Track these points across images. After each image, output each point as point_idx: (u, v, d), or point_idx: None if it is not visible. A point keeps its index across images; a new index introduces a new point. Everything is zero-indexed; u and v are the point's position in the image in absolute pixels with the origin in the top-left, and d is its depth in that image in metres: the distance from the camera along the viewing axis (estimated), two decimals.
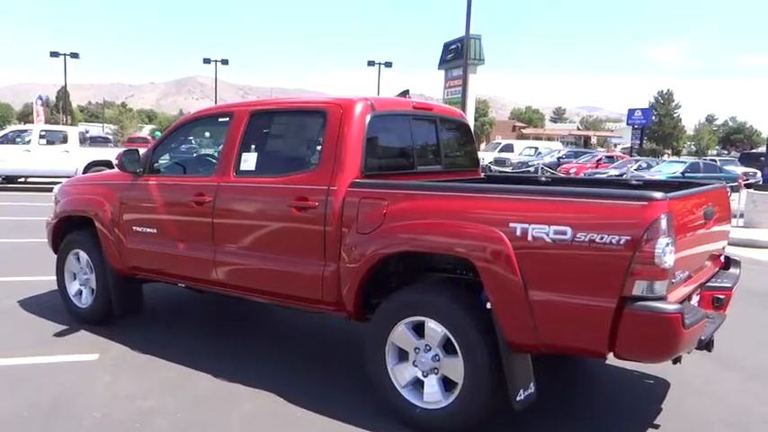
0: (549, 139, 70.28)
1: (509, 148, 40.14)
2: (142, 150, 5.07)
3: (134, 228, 4.93)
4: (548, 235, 3.03)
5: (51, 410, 3.77)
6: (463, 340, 3.33)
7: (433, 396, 3.49)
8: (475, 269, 3.29)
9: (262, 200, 4.20)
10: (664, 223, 2.83)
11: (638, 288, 2.86)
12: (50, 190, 6.50)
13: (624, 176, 17.34)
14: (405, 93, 4.56)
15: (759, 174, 28.37)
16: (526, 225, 3.09)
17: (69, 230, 5.56)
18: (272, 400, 3.94)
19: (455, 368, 3.39)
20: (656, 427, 3.69)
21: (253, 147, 4.39)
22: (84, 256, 5.37)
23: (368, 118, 3.97)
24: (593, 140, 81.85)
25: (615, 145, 70.39)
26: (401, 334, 3.58)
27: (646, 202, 2.87)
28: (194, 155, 5.27)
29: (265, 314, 5.98)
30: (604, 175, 20.85)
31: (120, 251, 5.00)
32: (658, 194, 2.90)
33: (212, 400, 3.95)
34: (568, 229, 2.98)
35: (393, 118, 4.29)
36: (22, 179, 18.92)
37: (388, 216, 3.57)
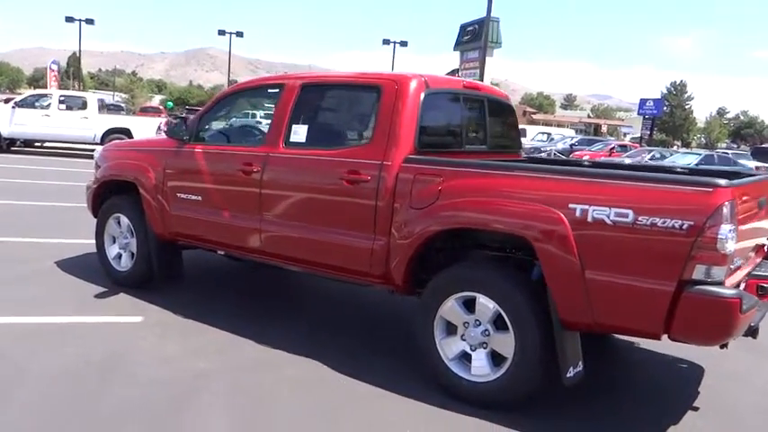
0: (560, 125, 70.05)
1: (522, 134, 39.94)
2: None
3: (178, 194, 5.00)
4: (608, 217, 3.08)
5: (105, 367, 3.87)
6: (515, 317, 3.40)
7: (481, 369, 3.58)
8: (528, 247, 3.37)
9: (312, 172, 4.26)
10: (727, 210, 2.89)
11: (698, 272, 2.92)
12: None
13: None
14: (454, 72, 4.61)
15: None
16: (586, 206, 3.14)
17: (110, 195, 5.63)
18: (317, 366, 4.03)
19: (505, 343, 3.47)
20: (696, 409, 3.78)
21: (303, 119, 4.44)
22: (125, 220, 5.45)
23: (422, 95, 4.02)
24: (604, 129, 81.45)
25: (625, 134, 69.98)
26: (451, 308, 3.66)
27: (711, 189, 2.92)
28: (240, 125, 5.31)
29: (301, 282, 6.09)
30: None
31: (163, 217, 5.08)
32: (723, 181, 2.95)
33: (261, 364, 4.05)
34: (630, 212, 3.03)
35: (445, 96, 4.34)
36: (39, 143, 19.00)
37: (443, 192, 3.63)
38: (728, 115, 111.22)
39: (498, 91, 5.10)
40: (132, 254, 5.46)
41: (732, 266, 3.10)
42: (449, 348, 3.70)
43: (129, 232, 5.47)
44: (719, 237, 2.86)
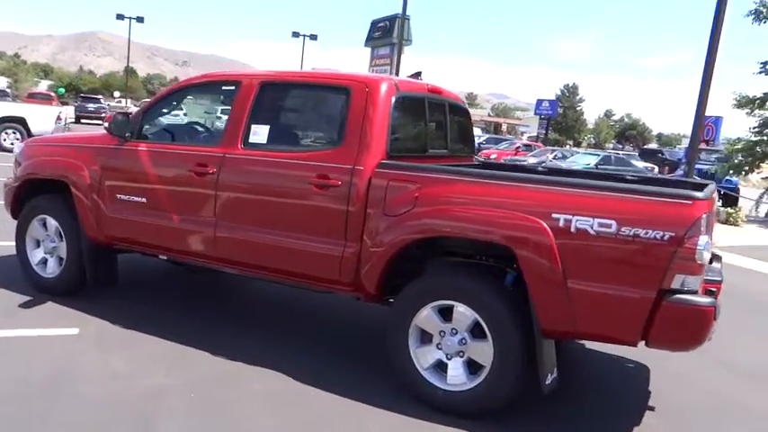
0: None
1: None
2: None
3: (117, 195, 4.64)
4: (592, 227, 3.14)
5: (48, 388, 3.54)
6: (494, 325, 3.41)
7: (457, 378, 3.56)
8: (504, 255, 3.39)
9: (275, 175, 4.07)
10: (704, 221, 3.02)
11: (677, 281, 3.03)
12: None
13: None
14: (417, 74, 4.56)
15: (656, 169, 30.50)
16: (569, 216, 3.19)
17: (34, 194, 5.15)
18: (283, 379, 3.87)
19: (483, 351, 3.47)
20: (651, 408, 3.95)
21: (264, 119, 4.23)
22: (52, 222, 5.00)
23: (393, 99, 3.94)
24: (504, 128, 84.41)
25: (522, 133, 72.98)
26: (427, 317, 3.61)
27: (690, 201, 3.05)
28: (188, 123, 4.99)
29: (246, 285, 5.84)
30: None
31: (99, 219, 4.70)
32: (700, 194, 3.09)
33: (221, 378, 3.83)
34: (613, 223, 3.10)
35: (412, 100, 4.27)
36: None
37: (420, 200, 3.57)
38: (614, 117, 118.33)
39: (456, 95, 5.10)
40: (61, 259, 5.02)
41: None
42: (423, 358, 3.66)
43: (56, 235, 5.02)
44: (698, 247, 2.98)
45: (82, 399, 3.45)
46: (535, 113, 45.85)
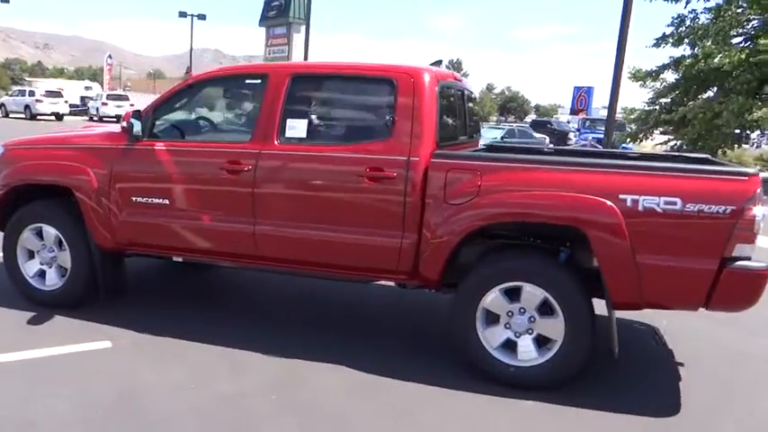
0: None
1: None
2: None
3: (133, 198, 4.40)
4: (658, 205, 3.41)
5: (118, 406, 3.37)
6: (565, 301, 3.62)
7: (528, 354, 3.75)
8: (564, 236, 3.60)
9: (321, 169, 4.03)
10: (759, 195, 3.37)
11: (738, 250, 3.37)
12: None
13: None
14: (438, 63, 4.60)
15: (547, 140, 32.25)
16: (636, 196, 3.44)
17: (22, 202, 4.74)
18: (353, 373, 3.89)
19: (553, 327, 3.68)
20: (681, 364, 4.35)
21: (299, 113, 4.16)
22: (51, 230, 4.64)
23: (436, 88, 4.01)
24: None
25: None
26: (494, 299, 3.76)
27: (746, 177, 3.39)
28: (201, 119, 4.73)
29: (261, 280, 5.74)
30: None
31: (112, 225, 4.44)
32: (753, 170, 3.44)
33: (289, 379, 3.79)
34: (678, 200, 3.39)
35: (447, 89, 4.35)
36: None
37: (484, 187, 3.69)
38: (495, 91, 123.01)
39: (465, 81, 5.22)
40: (63, 269, 4.68)
41: None
42: (492, 338, 3.81)
43: (56, 244, 4.67)
44: (756, 218, 3.33)
45: (162, 413, 3.32)
46: None
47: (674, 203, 3.39)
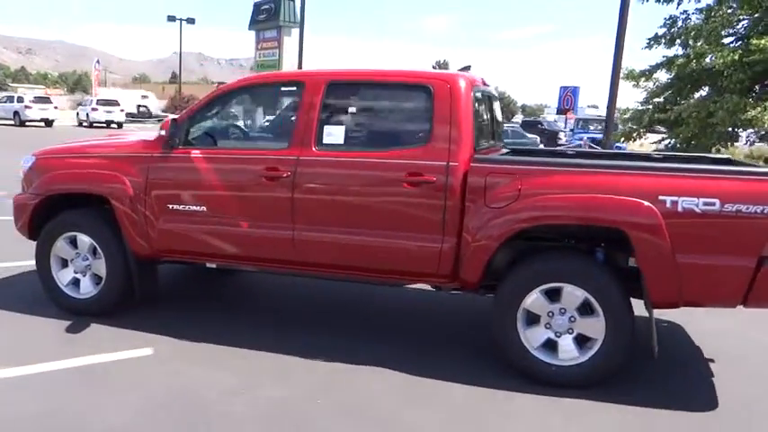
0: None
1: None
2: None
3: (170, 206, 4.44)
4: (697, 206, 3.51)
5: (176, 411, 3.42)
6: (606, 301, 3.71)
7: (569, 354, 3.84)
8: (600, 237, 3.70)
9: (361, 174, 4.10)
10: None
11: None
12: None
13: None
14: (467, 68, 4.69)
15: (538, 139, 32.39)
16: (676, 198, 3.54)
17: (54, 211, 4.77)
18: (394, 375, 3.95)
19: (594, 327, 3.77)
20: (712, 361, 4.46)
21: (336, 119, 4.24)
22: (85, 239, 4.67)
23: (472, 94, 4.09)
24: None
25: None
26: (535, 300, 3.85)
27: None
28: (237, 126, 4.78)
29: (280, 283, 5.79)
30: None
31: (149, 232, 4.48)
32: None
33: (334, 382, 3.85)
34: (717, 201, 3.49)
35: (479, 94, 4.44)
36: None
37: (525, 191, 3.77)
38: None
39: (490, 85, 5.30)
40: (98, 277, 4.72)
41: None
42: (533, 338, 3.90)
43: (90, 253, 4.71)
44: None
45: (220, 416, 3.37)
46: None
47: (713, 204, 3.50)
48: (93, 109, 36.58)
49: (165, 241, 4.50)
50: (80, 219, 4.70)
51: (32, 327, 4.54)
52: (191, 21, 41.88)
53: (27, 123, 32.83)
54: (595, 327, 3.77)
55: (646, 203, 3.55)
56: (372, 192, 4.10)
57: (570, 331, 3.85)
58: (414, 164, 3.97)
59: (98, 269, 4.70)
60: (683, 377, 4.15)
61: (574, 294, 3.78)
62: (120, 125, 36.64)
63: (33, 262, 4.90)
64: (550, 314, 3.86)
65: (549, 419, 3.49)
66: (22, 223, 4.87)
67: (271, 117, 5.11)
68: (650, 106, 19.46)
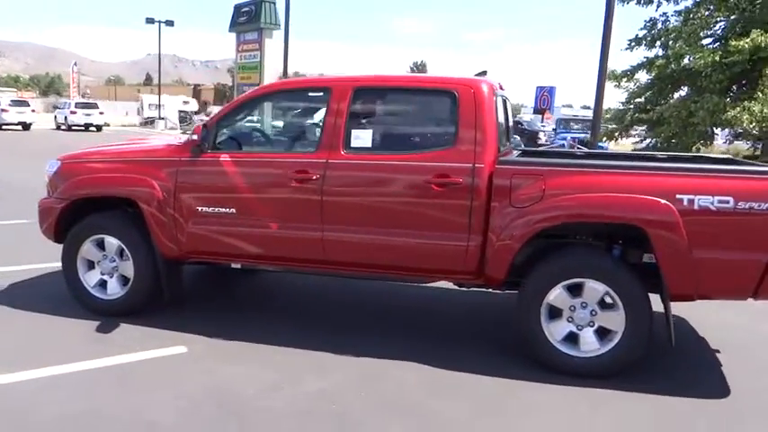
0: None
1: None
2: None
3: (199, 208, 4.56)
4: (712, 204, 3.74)
5: (217, 407, 3.54)
6: (626, 295, 3.92)
7: (590, 345, 4.05)
8: (611, 234, 3.92)
9: (389, 176, 4.27)
10: None
11: None
12: None
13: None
14: (483, 73, 4.87)
15: (518, 138, 32.74)
16: (692, 196, 3.76)
17: (81, 214, 4.86)
18: (424, 370, 4.11)
19: (614, 319, 3.98)
20: (718, 351, 4.70)
21: (363, 123, 4.40)
22: (113, 241, 4.77)
23: (494, 98, 4.29)
24: None
25: None
26: (558, 295, 4.05)
27: None
28: (262, 131, 4.91)
29: (302, 282, 5.92)
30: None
31: (178, 235, 4.60)
32: None
33: (370, 376, 4.00)
34: (731, 199, 3.72)
35: (500, 98, 4.63)
36: None
37: (548, 191, 3.97)
38: None
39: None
40: (125, 278, 4.81)
41: None
42: (556, 331, 4.10)
43: (117, 255, 4.80)
44: None
45: (263, 411, 3.50)
46: None
47: (727, 202, 3.73)
48: (72, 112, 36.13)
49: (195, 243, 4.61)
50: (108, 221, 4.80)
51: (61, 327, 4.63)
52: (169, 23, 41.54)
53: (4, 127, 32.34)
54: (616, 319, 3.98)
55: (664, 202, 3.77)
56: (400, 193, 4.26)
57: (591, 324, 4.05)
58: (440, 166, 4.14)
59: (125, 270, 4.80)
60: (693, 367, 4.39)
61: (595, 289, 3.98)
62: (99, 128, 36.31)
63: (53, 264, 4.99)
64: (572, 308, 4.06)
65: (576, 410, 3.68)
66: (47, 226, 4.95)
67: (299, 122, 5.24)
68: (631, 106, 19.90)
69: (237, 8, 36.73)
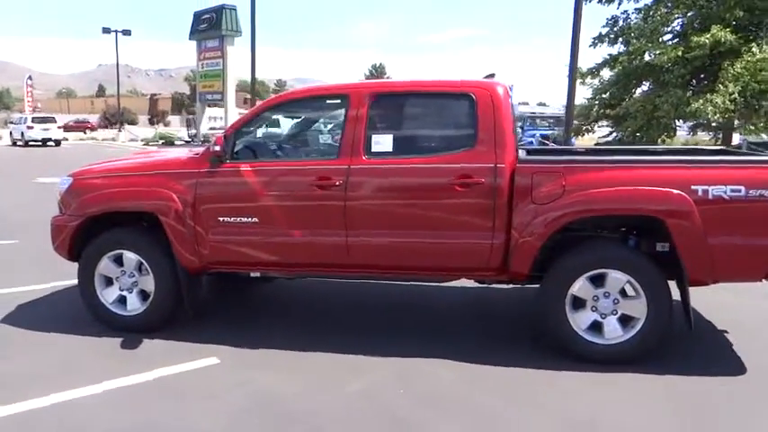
0: None
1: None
2: None
3: (221, 219, 4.59)
4: (725, 193, 3.95)
5: (259, 413, 3.59)
6: (647, 284, 4.11)
7: (614, 333, 4.22)
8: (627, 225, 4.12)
9: (412, 179, 4.37)
10: None
11: None
12: None
13: None
14: (491, 76, 5.01)
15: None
16: (706, 187, 3.97)
17: (96, 231, 4.83)
18: (456, 367, 4.23)
19: (636, 307, 4.16)
20: (725, 332, 4.94)
21: (382, 128, 4.49)
22: (131, 256, 4.75)
23: (509, 100, 4.43)
24: None
25: None
26: (582, 286, 4.21)
27: None
28: (279, 139, 4.94)
29: (315, 288, 5.97)
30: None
31: (199, 246, 4.61)
32: None
33: (402, 376, 4.09)
34: (742, 188, 3.94)
35: (512, 100, 4.78)
36: None
37: (568, 187, 4.13)
38: None
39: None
40: (145, 293, 4.80)
41: None
42: (580, 320, 4.26)
43: (136, 270, 4.78)
44: None
45: (306, 414, 3.57)
46: None
47: (739, 191, 3.94)
48: (29, 127, 35.20)
49: (217, 253, 4.63)
50: (125, 237, 4.78)
51: (84, 345, 4.60)
52: (126, 32, 40.81)
53: None
54: (638, 307, 4.16)
55: (680, 193, 3.97)
56: (423, 195, 4.37)
57: (614, 312, 4.23)
58: (462, 167, 4.26)
59: (145, 285, 4.78)
60: (708, 348, 4.61)
61: (617, 279, 4.16)
62: (57, 143, 35.46)
63: (63, 282, 4.92)
64: (595, 298, 4.23)
65: (609, 396, 3.84)
66: (60, 244, 4.90)
67: (317, 129, 5.30)
68: (596, 102, 20.41)
69: (197, 15, 36.48)
